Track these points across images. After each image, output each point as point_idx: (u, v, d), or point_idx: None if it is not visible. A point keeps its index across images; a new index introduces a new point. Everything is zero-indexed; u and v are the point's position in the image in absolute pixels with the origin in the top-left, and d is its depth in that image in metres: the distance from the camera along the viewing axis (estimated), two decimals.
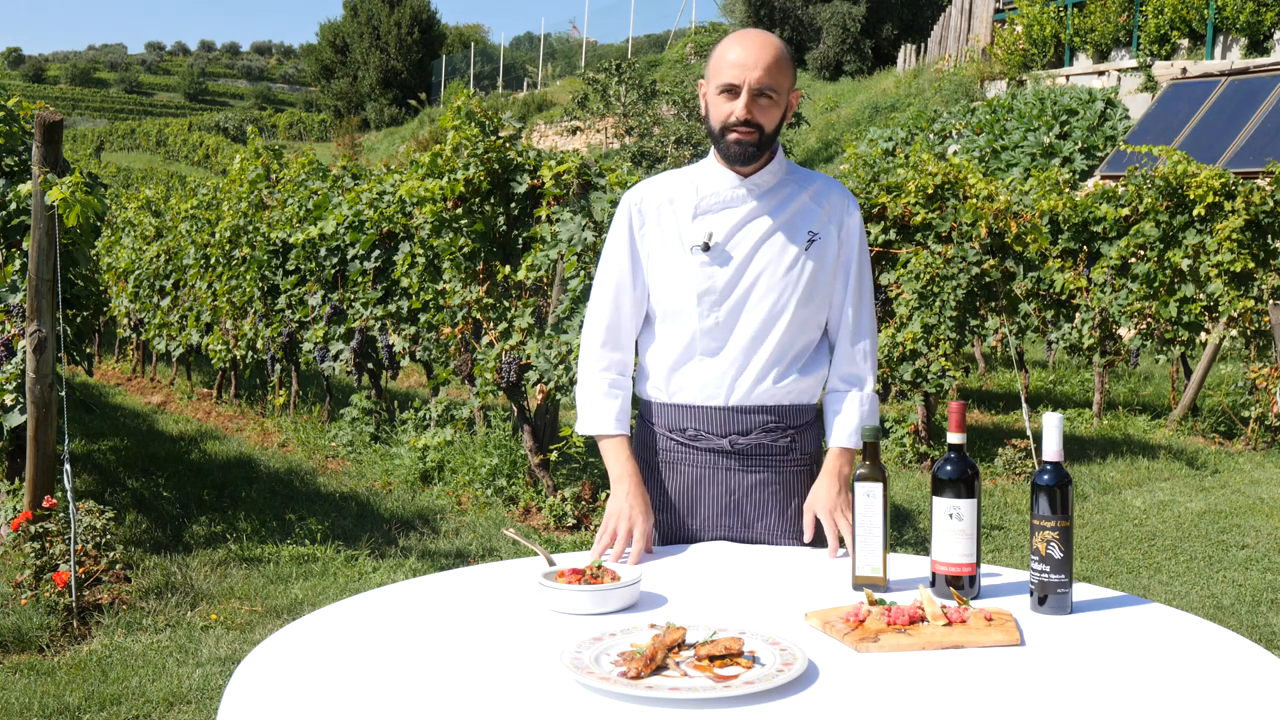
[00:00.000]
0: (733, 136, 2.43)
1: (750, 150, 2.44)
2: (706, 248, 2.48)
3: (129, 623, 4.57)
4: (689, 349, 2.52)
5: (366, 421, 8.39)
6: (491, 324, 6.47)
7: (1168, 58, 18.06)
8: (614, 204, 5.95)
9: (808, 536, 2.51)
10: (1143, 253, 8.80)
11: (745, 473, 2.55)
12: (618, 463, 2.53)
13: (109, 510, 4.97)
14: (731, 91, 2.42)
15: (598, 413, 2.58)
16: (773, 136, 2.46)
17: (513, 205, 6.46)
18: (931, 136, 18.94)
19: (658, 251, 2.54)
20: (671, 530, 2.59)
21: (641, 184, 2.61)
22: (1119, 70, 18.37)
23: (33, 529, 4.68)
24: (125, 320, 13.19)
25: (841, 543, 2.43)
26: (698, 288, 2.48)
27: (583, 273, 5.91)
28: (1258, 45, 17.21)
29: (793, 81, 2.47)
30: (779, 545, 2.55)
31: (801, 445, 2.58)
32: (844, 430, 2.56)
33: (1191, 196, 8.45)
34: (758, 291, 2.48)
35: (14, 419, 5.25)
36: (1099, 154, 17.08)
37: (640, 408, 2.68)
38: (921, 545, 5.91)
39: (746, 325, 2.48)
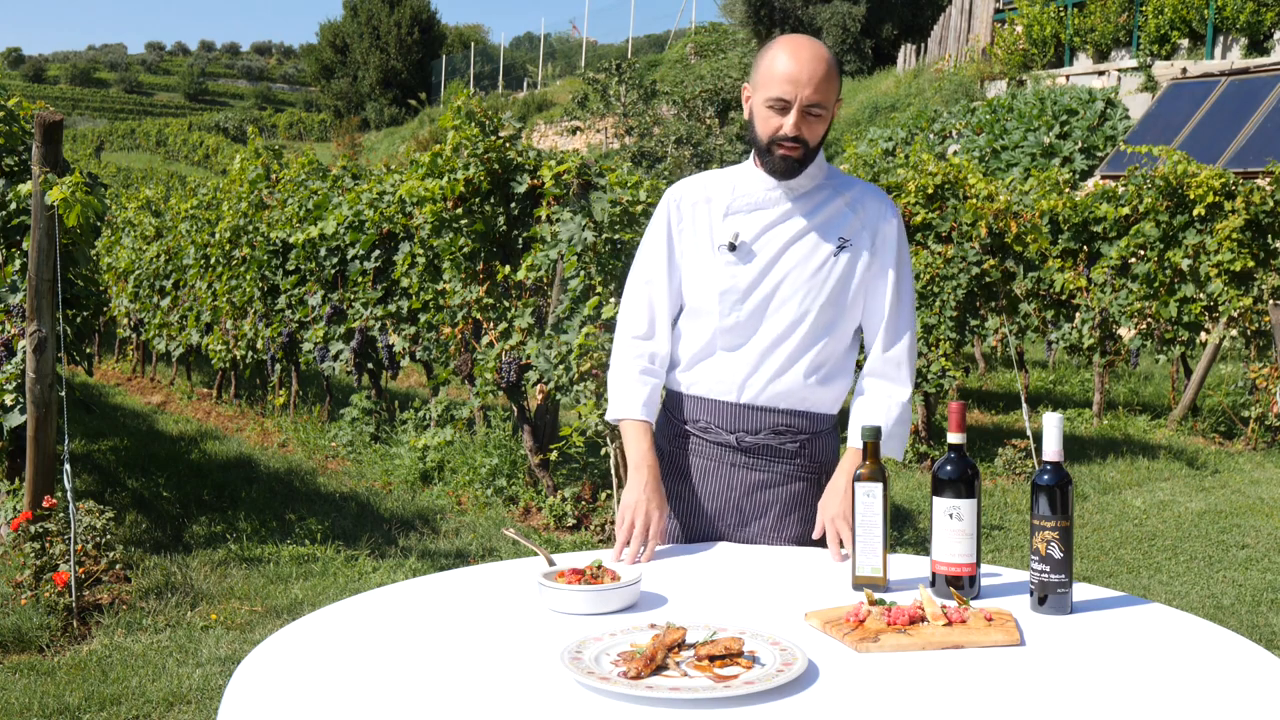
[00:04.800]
0: (780, 152, 2.42)
1: (795, 166, 2.44)
2: (733, 247, 2.49)
3: (129, 623, 4.57)
4: (709, 345, 2.54)
5: (366, 421, 8.39)
6: (491, 324, 6.47)
7: (1168, 58, 18.05)
8: (614, 204, 5.96)
9: (817, 533, 2.51)
10: (1143, 253, 8.80)
11: (749, 470, 2.55)
12: (638, 451, 2.52)
13: (109, 510, 4.97)
14: (781, 107, 2.40)
15: (623, 396, 2.58)
16: (817, 149, 2.46)
17: (513, 205, 6.46)
18: (931, 136, 18.92)
19: (691, 249, 2.56)
20: (680, 521, 2.59)
21: (683, 180, 2.63)
22: (1119, 70, 18.36)
23: (33, 529, 4.68)
24: (125, 320, 13.19)
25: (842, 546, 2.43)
26: (720, 286, 2.49)
27: (583, 273, 5.91)
28: (1258, 45, 17.21)
29: (839, 91, 2.45)
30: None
31: (811, 453, 2.56)
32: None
33: (1191, 196, 8.45)
34: (781, 293, 2.48)
35: (14, 419, 5.25)
36: (1099, 154, 17.07)
37: (666, 397, 2.69)
38: (921, 545, 5.90)
39: (768, 326, 2.49)
